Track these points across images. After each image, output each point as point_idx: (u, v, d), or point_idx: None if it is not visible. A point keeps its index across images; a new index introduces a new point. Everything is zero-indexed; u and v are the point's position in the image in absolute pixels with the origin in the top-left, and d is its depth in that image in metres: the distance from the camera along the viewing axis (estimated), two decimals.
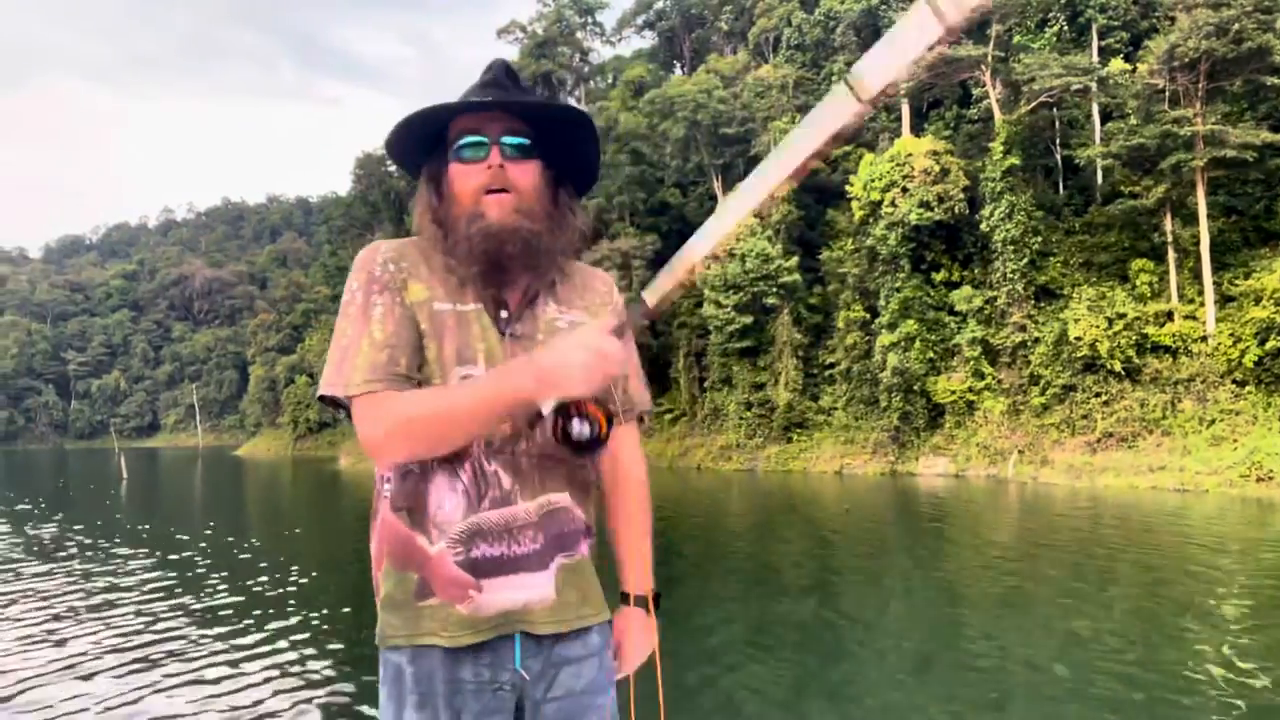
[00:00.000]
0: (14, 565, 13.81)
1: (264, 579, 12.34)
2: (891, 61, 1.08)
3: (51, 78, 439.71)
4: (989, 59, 32.58)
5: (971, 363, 30.80)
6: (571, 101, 59.91)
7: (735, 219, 1.27)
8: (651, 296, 1.38)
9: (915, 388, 31.46)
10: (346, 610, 10.42)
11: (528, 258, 1.51)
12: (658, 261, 43.84)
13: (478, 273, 1.51)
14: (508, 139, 1.52)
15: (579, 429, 1.38)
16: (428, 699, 1.48)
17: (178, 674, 7.60)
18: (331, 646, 8.67)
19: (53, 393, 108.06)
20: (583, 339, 1.34)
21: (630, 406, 1.69)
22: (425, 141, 1.58)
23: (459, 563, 1.48)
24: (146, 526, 19.98)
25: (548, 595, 1.52)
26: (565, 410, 1.38)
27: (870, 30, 43.11)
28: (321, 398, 1.49)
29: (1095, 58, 32.97)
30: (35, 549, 15.73)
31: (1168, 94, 27.92)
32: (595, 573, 1.62)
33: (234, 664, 7.92)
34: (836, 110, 1.13)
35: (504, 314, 1.54)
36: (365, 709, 6.62)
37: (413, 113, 1.53)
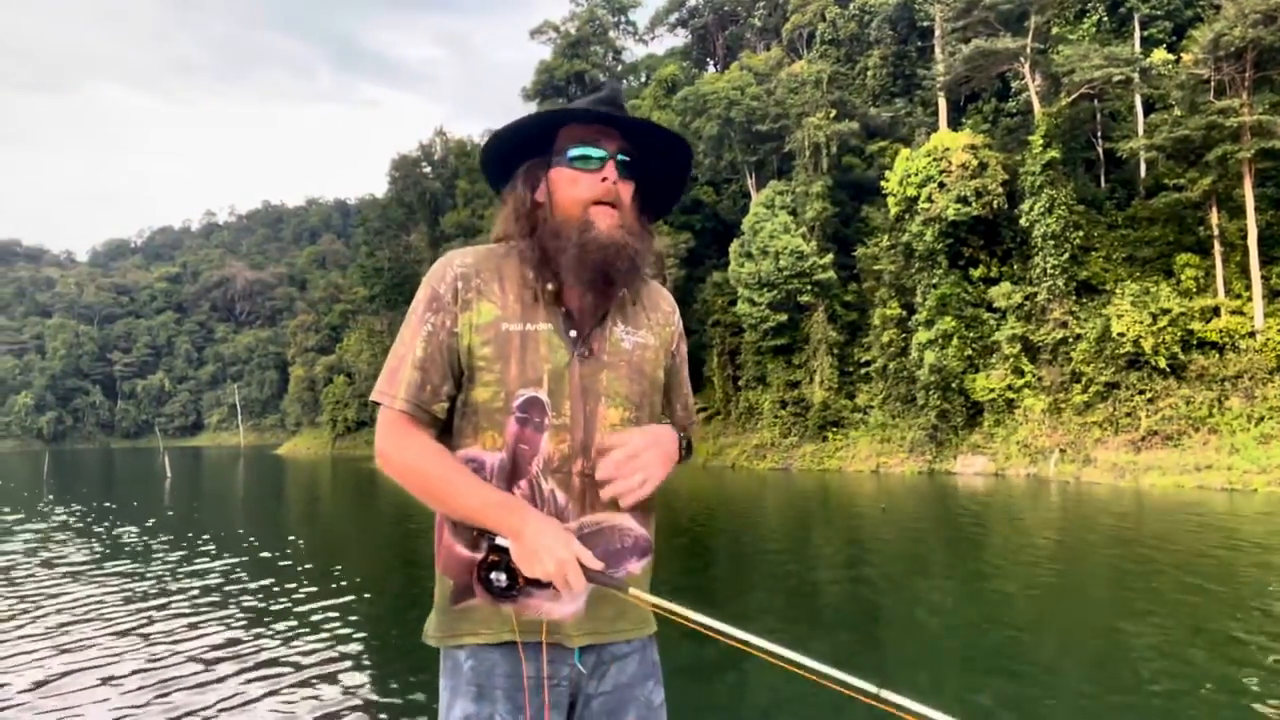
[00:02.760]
0: (64, 563, 14.15)
1: (305, 576, 12.51)
2: None
3: (97, 84, 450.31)
4: (1028, 51, 32.06)
5: (1011, 360, 30.35)
6: None
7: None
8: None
9: (953, 385, 31.07)
10: (390, 608, 10.53)
11: (631, 274, 1.56)
12: (691, 260, 43.82)
13: (584, 282, 1.53)
14: (622, 156, 1.56)
15: (498, 578, 1.47)
16: (486, 691, 1.54)
17: (218, 670, 7.73)
18: (378, 644, 8.77)
19: (99, 393, 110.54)
20: (565, 549, 1.42)
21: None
22: (528, 145, 1.61)
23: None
24: (190, 525, 20.35)
25: (578, 609, 1.56)
26: (504, 557, 1.46)
27: (905, 24, 42.68)
28: (372, 400, 1.59)
29: (1138, 48, 32.28)
30: (88, 548, 16.10)
31: (1213, 84, 27.29)
32: (644, 588, 1.62)
33: (276, 662, 8.04)
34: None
35: (573, 334, 1.57)
36: (410, 710, 6.69)
37: (532, 114, 1.59)
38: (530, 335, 1.54)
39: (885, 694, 1.29)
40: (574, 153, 1.55)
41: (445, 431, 1.60)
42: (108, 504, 25.87)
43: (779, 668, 1.42)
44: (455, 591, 1.57)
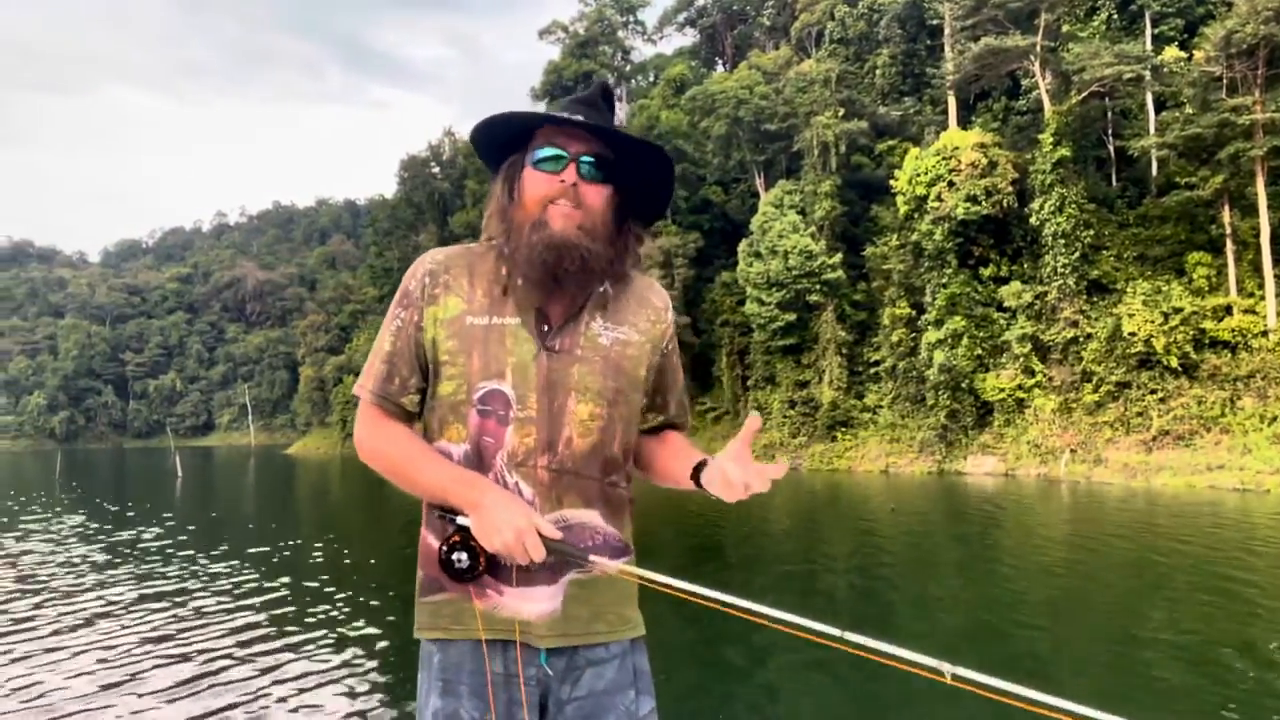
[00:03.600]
0: (79, 562, 14.24)
1: (316, 574, 12.56)
2: None
3: (108, 86, 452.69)
4: (1037, 49, 31.94)
5: (1021, 360, 30.24)
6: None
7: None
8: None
9: (963, 385, 30.97)
10: (397, 605, 10.55)
11: (583, 275, 1.54)
12: (700, 259, 43.76)
13: (531, 280, 1.53)
14: (586, 158, 1.55)
15: (459, 558, 1.48)
16: (452, 686, 1.53)
17: (230, 669, 7.77)
18: (384, 639, 8.79)
19: (111, 393, 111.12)
20: (522, 526, 1.43)
21: (669, 422, 1.77)
22: (509, 140, 1.62)
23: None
24: (201, 524, 20.45)
25: (554, 609, 1.54)
26: (466, 540, 1.47)
27: (914, 22, 42.54)
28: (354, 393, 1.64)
29: (1149, 45, 32.14)
30: (99, 548, 16.19)
31: (1225, 82, 27.13)
32: (624, 590, 1.61)
33: (291, 659, 8.08)
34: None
35: (545, 328, 1.56)
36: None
37: (500, 114, 1.59)
38: (495, 329, 1.55)
39: (849, 636, 1.37)
40: (540, 154, 1.56)
41: (423, 428, 1.64)
42: (119, 503, 26.00)
43: (752, 622, 1.46)
44: (425, 584, 1.58)
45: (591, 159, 1.55)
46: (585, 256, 1.52)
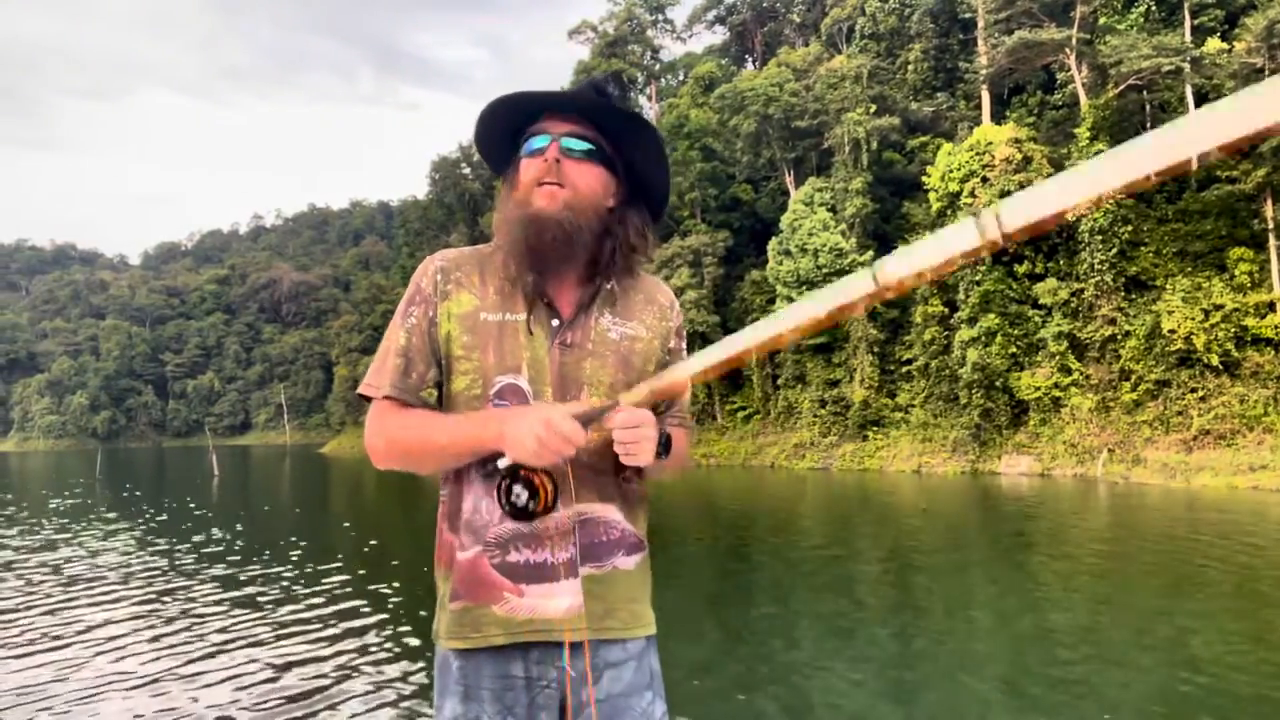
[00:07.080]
0: (110, 559, 14.51)
1: (345, 571, 12.69)
2: (920, 263, 1.17)
3: (149, 90, 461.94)
4: (1073, 41, 31.42)
5: (1057, 358, 29.77)
6: (643, 99, 59.78)
7: (747, 345, 1.36)
8: (659, 382, 1.48)
9: (997, 384, 30.55)
10: (422, 610, 10.64)
11: (566, 249, 1.53)
12: (730, 258, 43.60)
13: (523, 265, 1.54)
14: (570, 141, 1.56)
15: (518, 493, 1.43)
16: (473, 692, 1.53)
17: (253, 665, 7.86)
18: (407, 642, 8.86)
19: (151, 393, 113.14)
20: (545, 415, 1.39)
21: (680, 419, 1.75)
22: (510, 139, 1.63)
23: (496, 566, 1.54)
24: (237, 520, 20.76)
25: (576, 604, 1.54)
26: (515, 473, 1.43)
27: (946, 16, 42.02)
28: (360, 395, 1.62)
29: (1188, 37, 31.46)
30: (137, 543, 16.49)
31: (1267, 73, 26.49)
32: (638, 586, 1.63)
33: (311, 658, 8.16)
34: (853, 289, 1.23)
35: (555, 322, 1.57)
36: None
37: (484, 109, 1.60)
38: (509, 324, 1.56)
39: (879, 274, 1.21)
40: (529, 145, 1.58)
41: None
42: (156, 501, 26.47)
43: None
44: (450, 592, 1.58)
45: (574, 139, 1.56)
46: (568, 229, 1.51)
